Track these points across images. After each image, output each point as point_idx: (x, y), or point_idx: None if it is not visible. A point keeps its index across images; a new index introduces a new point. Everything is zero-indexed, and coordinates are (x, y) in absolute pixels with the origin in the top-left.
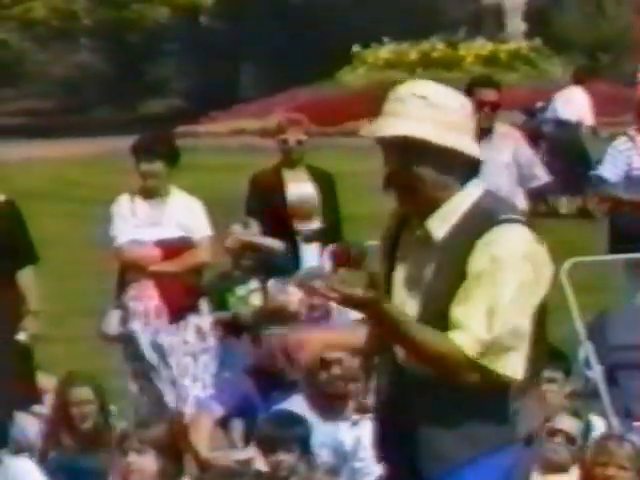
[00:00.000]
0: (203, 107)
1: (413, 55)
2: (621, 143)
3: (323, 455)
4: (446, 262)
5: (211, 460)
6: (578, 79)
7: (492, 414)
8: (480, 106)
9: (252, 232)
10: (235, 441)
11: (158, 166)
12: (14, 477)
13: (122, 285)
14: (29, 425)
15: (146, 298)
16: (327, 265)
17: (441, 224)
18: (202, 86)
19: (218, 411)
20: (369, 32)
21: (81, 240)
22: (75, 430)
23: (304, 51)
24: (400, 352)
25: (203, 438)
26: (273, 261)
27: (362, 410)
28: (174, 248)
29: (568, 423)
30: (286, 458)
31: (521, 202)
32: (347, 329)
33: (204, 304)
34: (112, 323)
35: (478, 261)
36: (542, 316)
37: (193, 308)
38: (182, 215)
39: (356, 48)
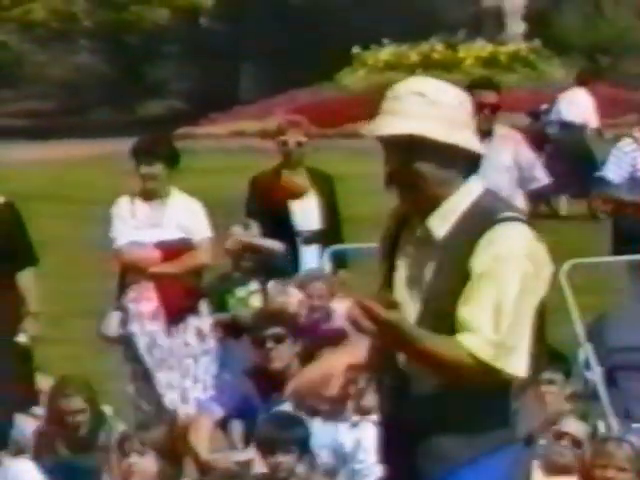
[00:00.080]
0: (203, 109)
1: (413, 57)
2: (626, 144)
3: (322, 456)
4: (447, 261)
5: (211, 462)
6: (582, 81)
7: (492, 414)
8: (480, 108)
9: (252, 234)
10: (235, 442)
11: (158, 168)
12: (14, 478)
13: (123, 287)
14: (29, 427)
15: (146, 300)
16: (327, 266)
17: (442, 223)
18: (202, 88)
19: (218, 412)
20: (369, 34)
21: (81, 242)
22: (69, 438)
23: (304, 53)
24: (402, 357)
25: (203, 439)
26: (273, 263)
27: (362, 412)
28: (174, 250)
29: (575, 426)
30: (285, 460)
31: (521, 204)
32: (361, 344)
33: (204, 306)
34: (112, 325)
35: (480, 260)
36: (542, 315)
37: (193, 310)
38: (182, 217)
39: (356, 50)
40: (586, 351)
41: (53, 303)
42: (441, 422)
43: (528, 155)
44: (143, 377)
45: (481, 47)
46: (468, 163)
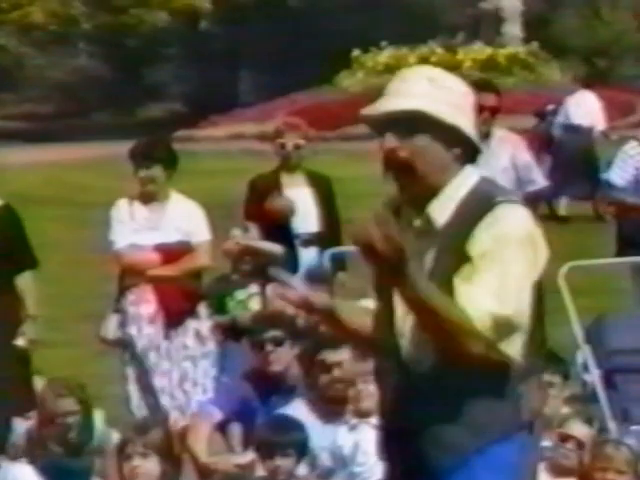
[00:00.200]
0: (202, 111)
1: (412, 59)
2: (631, 148)
3: (322, 459)
4: (447, 248)
5: (210, 465)
6: (587, 84)
7: (498, 402)
8: (479, 111)
9: (251, 236)
10: (234, 445)
11: (156, 171)
12: None
13: (123, 289)
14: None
15: (145, 302)
16: (327, 267)
17: (441, 211)
18: (201, 90)
19: (217, 415)
20: (368, 37)
21: (80, 244)
22: (60, 439)
23: (303, 56)
24: (404, 349)
25: (202, 442)
26: (272, 265)
27: (360, 414)
28: (173, 252)
29: (579, 429)
30: (284, 463)
31: None
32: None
33: (203, 308)
34: (111, 328)
35: (481, 242)
36: (541, 299)
37: (192, 312)
38: (181, 219)
39: (355, 53)
40: (585, 353)
41: (52, 306)
42: (447, 413)
43: (526, 157)
44: (142, 379)
45: (480, 50)
46: (465, 155)
